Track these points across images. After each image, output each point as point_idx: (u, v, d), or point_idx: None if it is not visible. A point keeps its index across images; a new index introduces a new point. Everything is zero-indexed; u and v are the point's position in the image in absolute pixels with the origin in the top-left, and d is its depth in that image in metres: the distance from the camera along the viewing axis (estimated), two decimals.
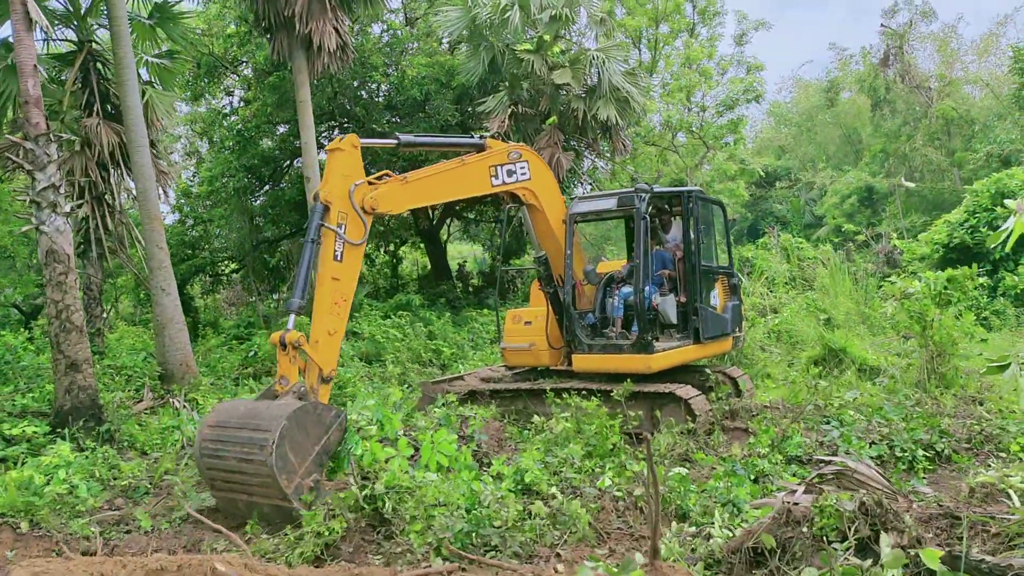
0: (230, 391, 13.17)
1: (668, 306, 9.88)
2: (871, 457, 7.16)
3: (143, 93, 14.46)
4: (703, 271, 9.89)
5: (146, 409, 11.50)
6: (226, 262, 26.15)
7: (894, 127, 39.18)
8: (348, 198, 7.62)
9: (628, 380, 8.77)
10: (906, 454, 7.43)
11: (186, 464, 8.55)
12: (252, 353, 15.33)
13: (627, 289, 9.94)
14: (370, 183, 7.90)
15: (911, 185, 30.22)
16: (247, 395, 12.45)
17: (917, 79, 38.34)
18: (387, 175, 8.28)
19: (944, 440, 7.72)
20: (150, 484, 7.88)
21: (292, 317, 7.20)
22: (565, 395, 8.94)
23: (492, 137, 10.24)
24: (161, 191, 15.09)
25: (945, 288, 10.93)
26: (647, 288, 9.76)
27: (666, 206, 10.53)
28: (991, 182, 20.74)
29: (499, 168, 9.56)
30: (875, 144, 40.78)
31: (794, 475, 6.86)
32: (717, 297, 10.29)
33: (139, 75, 14.60)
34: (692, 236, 9.81)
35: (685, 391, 9.00)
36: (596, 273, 10.18)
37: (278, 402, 6.80)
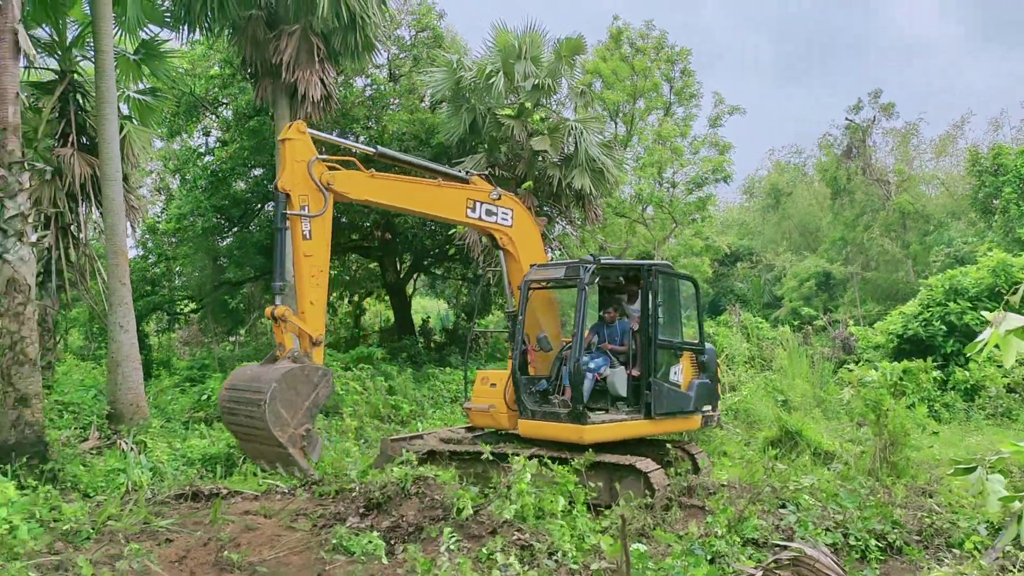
0: (180, 435, 12.85)
1: (617, 378, 9.81)
2: (826, 544, 7.20)
3: (121, 127, 14.42)
4: (661, 345, 9.77)
5: (92, 449, 11.15)
6: (185, 301, 25.76)
7: (852, 216, 40.49)
8: (307, 176, 8.50)
9: (590, 450, 8.76)
10: (860, 543, 7.48)
11: (131, 510, 8.27)
12: (205, 396, 15.01)
13: (585, 358, 9.88)
14: (330, 167, 8.76)
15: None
16: (197, 440, 12.17)
17: (877, 172, 39.87)
18: (353, 161, 9.16)
19: (896, 531, 7.80)
20: (92, 529, 7.59)
21: (278, 296, 8.39)
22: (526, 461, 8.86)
23: (479, 176, 10.39)
24: (129, 226, 14.93)
25: (901, 379, 11.18)
26: (595, 360, 9.87)
27: (631, 278, 10.55)
28: (945, 278, 21.43)
29: (478, 204, 9.97)
30: (834, 232, 42.05)
31: (751, 558, 6.86)
32: (680, 373, 10.13)
33: (119, 109, 14.58)
34: (649, 310, 9.71)
35: (645, 464, 8.95)
36: (548, 340, 10.14)
37: (274, 365, 8.03)
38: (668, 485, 8.97)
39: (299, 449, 7.77)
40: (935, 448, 12.82)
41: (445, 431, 11.61)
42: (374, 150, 10.04)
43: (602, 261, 9.80)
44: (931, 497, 9.48)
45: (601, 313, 10.80)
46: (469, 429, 11.31)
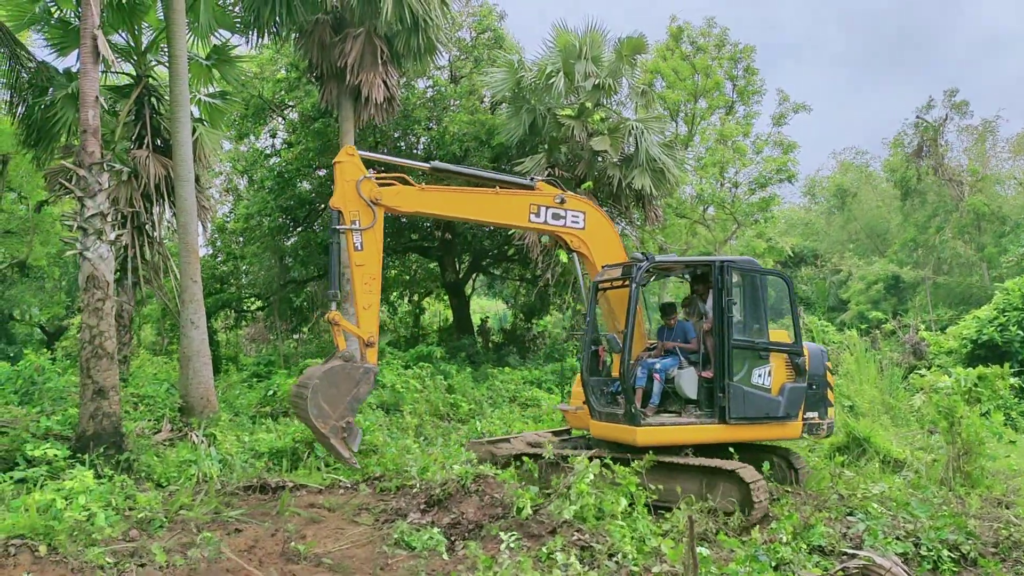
0: (247, 428, 13.19)
1: (684, 380, 9.39)
2: (896, 554, 7.00)
3: (194, 130, 14.87)
4: (739, 346, 9.21)
5: (164, 440, 11.53)
6: (252, 299, 26.43)
7: (923, 218, 39.20)
8: (356, 194, 9.04)
9: (650, 452, 8.65)
10: (932, 553, 7.25)
11: (202, 500, 8.54)
12: (271, 392, 15.36)
13: (652, 359, 9.73)
14: (381, 185, 9.21)
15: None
16: (264, 434, 12.48)
17: (950, 172, 38.48)
18: (404, 178, 9.43)
19: (971, 542, 7.53)
20: (165, 518, 7.86)
21: (332, 303, 8.98)
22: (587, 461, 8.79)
23: (545, 182, 10.33)
24: (200, 226, 15.39)
25: (975, 385, 10.76)
26: (663, 360, 9.58)
27: (703, 276, 10.13)
28: (1023, 281, 20.60)
29: (542, 208, 9.91)
30: (905, 234, 40.79)
31: (817, 566, 6.72)
32: (767, 376, 9.44)
33: (191, 112, 15.05)
34: (723, 308, 9.15)
35: (748, 473, 8.43)
36: (617, 341, 9.70)
37: (324, 365, 8.75)
38: (768, 497, 8.48)
39: (340, 439, 8.39)
40: (1012, 458, 12.32)
41: (532, 435, 11.37)
42: (428, 165, 10.33)
43: (656, 259, 9.45)
44: (1008, 508, 9.13)
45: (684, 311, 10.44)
46: (556, 433, 11.18)
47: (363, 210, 9.13)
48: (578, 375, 10.73)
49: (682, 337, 9.90)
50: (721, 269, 9.27)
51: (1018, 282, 20.84)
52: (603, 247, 10.26)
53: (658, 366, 9.55)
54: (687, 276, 10.66)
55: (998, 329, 19.86)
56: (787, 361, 9.62)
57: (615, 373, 9.95)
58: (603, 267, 10.24)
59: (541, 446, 10.14)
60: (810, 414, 9.71)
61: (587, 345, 9.80)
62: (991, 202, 37.44)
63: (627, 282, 9.70)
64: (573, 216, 10.02)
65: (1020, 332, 19.41)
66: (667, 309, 10.43)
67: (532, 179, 10.29)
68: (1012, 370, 15.11)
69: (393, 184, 9.39)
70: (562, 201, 10.05)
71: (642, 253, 9.61)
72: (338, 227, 9.06)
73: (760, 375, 9.36)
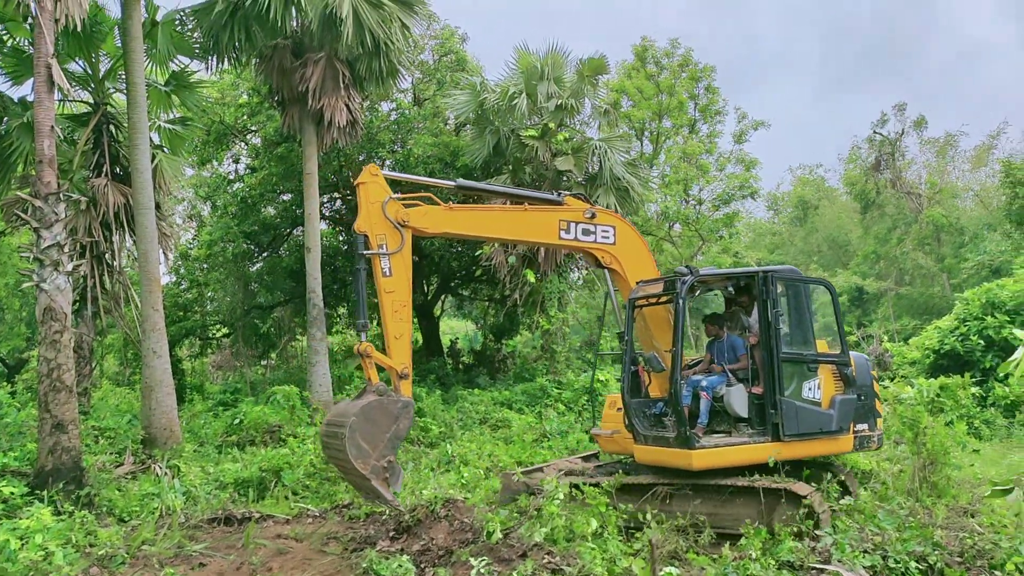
0: (213, 459, 12.95)
1: (734, 397, 8.99)
2: (864, 567, 7.05)
3: (153, 157, 14.70)
4: (787, 359, 8.82)
5: (127, 473, 11.29)
6: (217, 326, 26.06)
7: (884, 230, 39.97)
8: (382, 216, 8.67)
9: (620, 472, 8.63)
10: (899, 565, 7.29)
11: (165, 534, 8.34)
12: (237, 420, 15.11)
13: (697, 376, 9.32)
14: (405, 205, 8.86)
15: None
16: (230, 464, 12.25)
17: (908, 185, 39.36)
18: (429, 197, 9.15)
19: (937, 553, 7.60)
20: (127, 554, 7.66)
21: (363, 334, 8.65)
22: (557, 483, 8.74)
23: (573, 197, 10.14)
24: (162, 254, 15.17)
25: (938, 395, 10.90)
26: (709, 378, 9.23)
27: (745, 288, 9.87)
28: (982, 291, 21.00)
29: (572, 224, 9.69)
30: (866, 246, 41.56)
31: None
32: (817, 389, 9.05)
33: (151, 139, 14.87)
34: (769, 320, 8.77)
35: (801, 487, 8.24)
36: (658, 360, 9.52)
37: (357, 401, 8.31)
38: (825, 509, 8.31)
39: (382, 480, 7.96)
40: (976, 467, 12.49)
41: (565, 462, 10.95)
42: (454, 183, 9.88)
43: (701, 272, 9.12)
44: (973, 517, 9.23)
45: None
46: (585, 459, 10.89)
47: (390, 233, 8.72)
48: (609, 397, 10.49)
49: (732, 351, 9.54)
50: (765, 280, 8.92)
51: (977, 292, 21.25)
52: (635, 262, 10.04)
53: (704, 383, 9.16)
54: (730, 289, 10.22)
55: (959, 339, 20.19)
56: (834, 372, 9.28)
57: (654, 393, 9.70)
58: (638, 283, 9.89)
59: (576, 474, 9.81)
60: (860, 426, 9.39)
61: (626, 366, 9.46)
62: (949, 214, 38.28)
63: (664, 298, 9.47)
64: (603, 231, 9.82)
65: (981, 341, 19.75)
66: (715, 320, 10.01)
67: (559, 194, 10.06)
68: (974, 379, 15.38)
69: (418, 204, 8.97)
70: (592, 216, 9.83)
71: (686, 266, 9.27)
72: (364, 252, 8.64)
73: (810, 388, 9.01)
